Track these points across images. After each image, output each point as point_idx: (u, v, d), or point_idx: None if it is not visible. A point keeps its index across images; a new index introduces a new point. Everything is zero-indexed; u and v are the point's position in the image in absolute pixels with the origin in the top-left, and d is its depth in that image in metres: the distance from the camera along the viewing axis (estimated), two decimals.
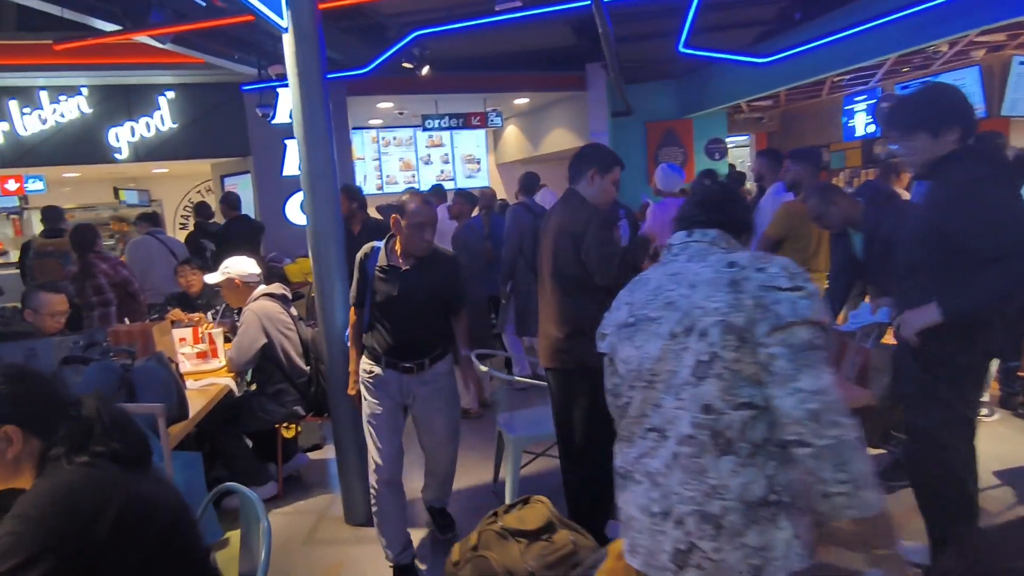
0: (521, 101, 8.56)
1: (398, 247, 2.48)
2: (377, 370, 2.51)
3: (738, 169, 8.74)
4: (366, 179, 10.02)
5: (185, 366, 3.32)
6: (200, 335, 3.57)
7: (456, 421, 2.71)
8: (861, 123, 8.05)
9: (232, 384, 3.09)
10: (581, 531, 2.12)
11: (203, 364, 3.39)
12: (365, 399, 2.56)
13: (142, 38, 4.96)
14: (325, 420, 3.44)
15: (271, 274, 5.07)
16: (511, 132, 10.20)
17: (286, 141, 6.99)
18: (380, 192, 10.03)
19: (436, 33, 5.06)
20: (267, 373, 3.35)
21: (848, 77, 7.11)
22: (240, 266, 3.38)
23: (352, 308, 2.64)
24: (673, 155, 8.86)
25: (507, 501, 2.66)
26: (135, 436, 1.23)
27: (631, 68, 6.66)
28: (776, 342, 1.19)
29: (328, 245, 2.88)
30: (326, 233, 2.87)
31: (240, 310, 3.47)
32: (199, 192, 9.34)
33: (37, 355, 2.44)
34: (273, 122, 6.86)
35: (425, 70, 5.98)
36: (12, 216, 9.45)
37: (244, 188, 7.61)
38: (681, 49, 5.27)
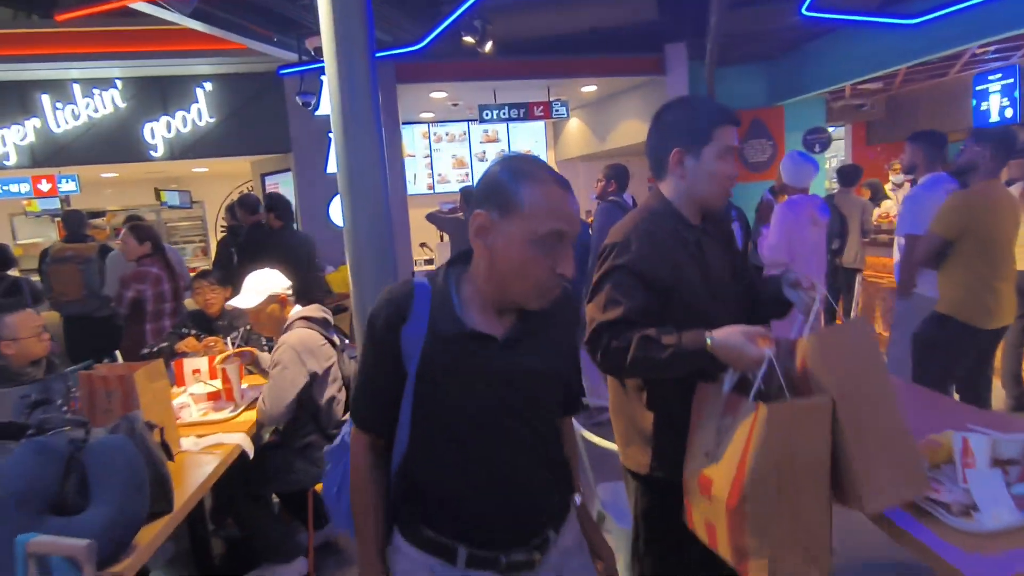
0: (589, 89, 7.65)
1: (484, 286, 1.15)
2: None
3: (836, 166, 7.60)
4: (416, 178, 9.31)
5: (191, 414, 2.56)
6: (215, 368, 2.82)
7: None
8: (996, 106, 6.80)
9: (246, 443, 2.31)
10: None
11: (214, 409, 2.64)
12: None
13: (157, 10, 4.27)
14: None
15: (309, 284, 4.33)
16: (574, 125, 9.30)
17: (330, 135, 6.28)
18: (431, 192, 9.30)
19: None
20: (299, 422, 2.60)
21: (992, 49, 5.90)
22: (276, 281, 2.65)
23: (355, 428, 1.24)
24: (761, 148, 7.79)
25: None
26: None
27: (719, 47, 5.67)
28: None
29: (370, 260, 2.08)
30: (371, 244, 2.08)
31: (270, 340, 2.73)
32: (242, 192, 8.79)
33: None
34: (316, 113, 6.19)
35: (488, 46, 5.15)
36: (56, 219, 9.14)
37: (286, 186, 6.97)
38: (804, 12, 4.27)
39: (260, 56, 5.87)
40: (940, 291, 3.21)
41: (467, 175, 9.47)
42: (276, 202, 4.56)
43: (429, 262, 7.28)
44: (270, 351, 2.70)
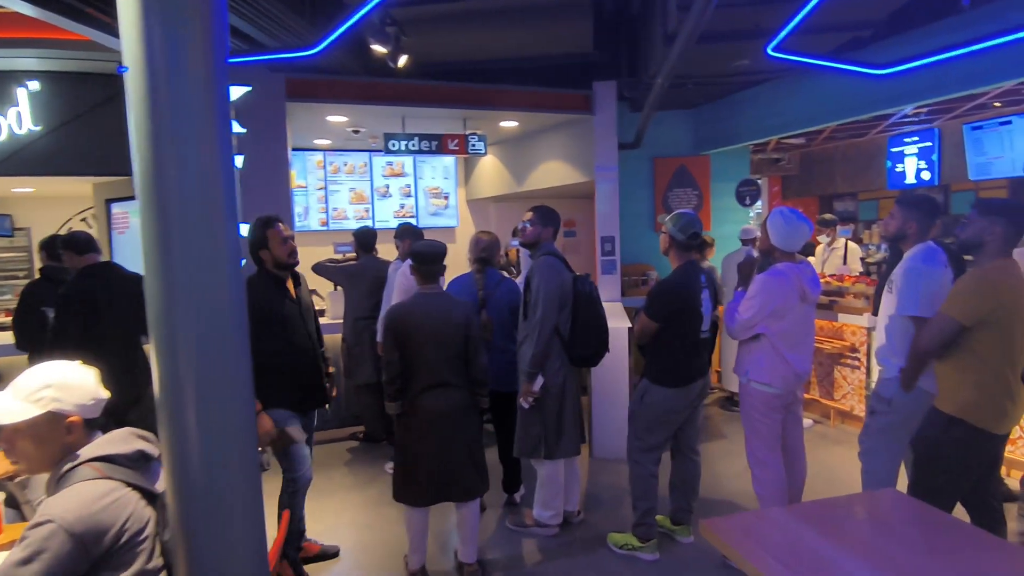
0: (509, 124, 6.93)
1: None
2: None
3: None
4: (307, 212, 8.12)
5: None
6: None
7: None
8: (912, 168, 6.82)
9: None
10: None
11: None
12: None
13: None
14: None
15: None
16: (488, 163, 8.55)
17: None
18: (325, 228, 8.14)
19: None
20: None
21: (925, 111, 5.82)
22: (73, 385, 1.60)
23: None
24: (687, 197, 7.41)
25: None
26: None
27: (662, 88, 5.16)
28: None
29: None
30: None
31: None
32: (84, 221, 7.16)
33: None
34: None
35: (403, 60, 4.25)
36: None
37: (138, 217, 5.58)
38: (770, 52, 3.76)
39: (106, 52, 4.60)
40: (944, 387, 2.65)
41: (367, 211, 8.40)
42: (76, 239, 3.43)
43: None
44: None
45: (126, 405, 3.39)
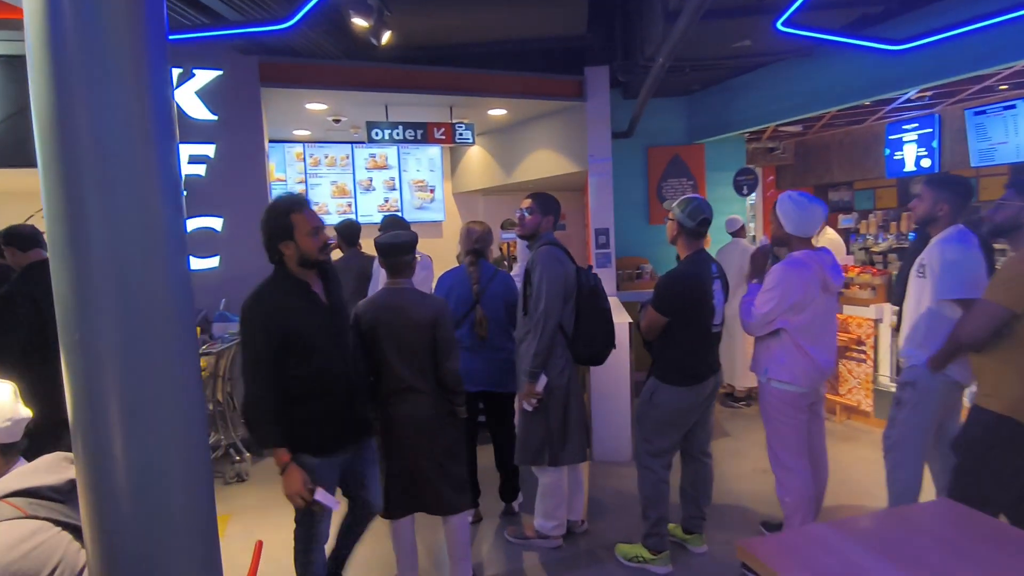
0: (497, 113, 6.65)
1: None
2: None
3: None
4: None
5: None
6: None
7: None
8: (912, 156, 6.64)
9: None
10: None
11: None
12: None
13: None
14: None
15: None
16: (475, 154, 8.27)
17: None
18: None
19: None
20: None
21: (929, 95, 5.62)
22: None
23: None
24: (681, 188, 7.18)
25: None
26: None
27: (643, 76, 4.90)
28: None
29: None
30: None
31: None
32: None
33: None
34: None
35: (386, 37, 3.95)
36: None
37: None
38: (780, 27, 3.52)
39: None
40: (987, 383, 2.42)
41: (350, 205, 8.08)
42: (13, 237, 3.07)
43: None
44: None
45: None
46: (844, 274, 5.26)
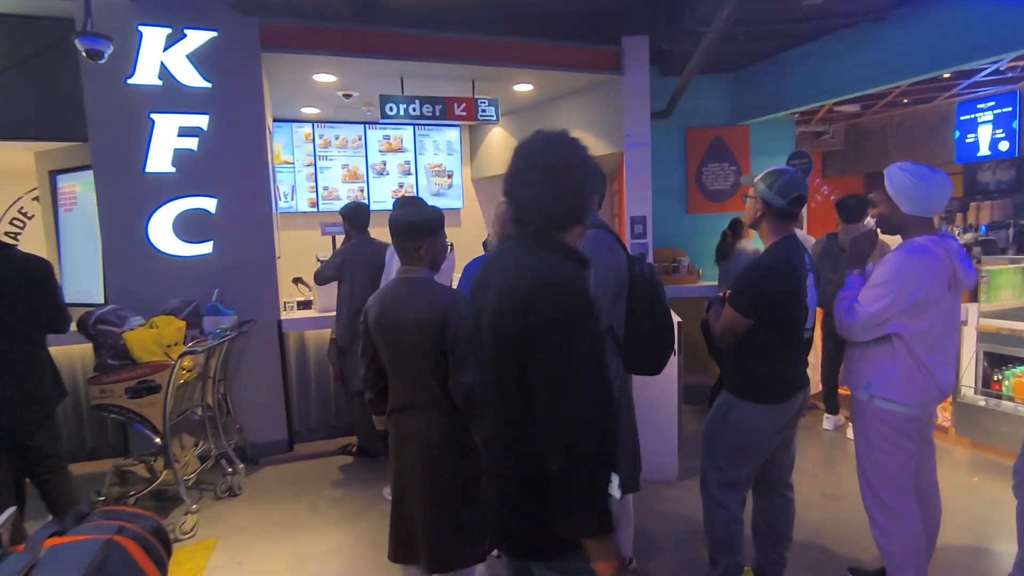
0: (523, 88, 6.05)
1: None
2: None
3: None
4: (295, 191, 7.25)
5: None
6: None
7: None
8: (987, 138, 5.94)
9: None
10: None
11: None
12: None
13: None
14: None
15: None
16: (497, 137, 7.68)
17: (153, 115, 4.20)
18: (314, 210, 7.28)
19: None
20: None
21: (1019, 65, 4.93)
22: None
23: None
24: (723, 174, 6.55)
25: None
26: None
27: (691, 46, 4.27)
28: None
29: None
30: None
31: None
32: (36, 199, 6.28)
33: None
34: (130, 80, 4.16)
35: None
36: None
37: (87, 190, 4.73)
38: None
39: None
40: None
41: (362, 190, 7.53)
42: None
43: (306, 305, 5.27)
44: None
45: (30, 425, 2.56)
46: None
